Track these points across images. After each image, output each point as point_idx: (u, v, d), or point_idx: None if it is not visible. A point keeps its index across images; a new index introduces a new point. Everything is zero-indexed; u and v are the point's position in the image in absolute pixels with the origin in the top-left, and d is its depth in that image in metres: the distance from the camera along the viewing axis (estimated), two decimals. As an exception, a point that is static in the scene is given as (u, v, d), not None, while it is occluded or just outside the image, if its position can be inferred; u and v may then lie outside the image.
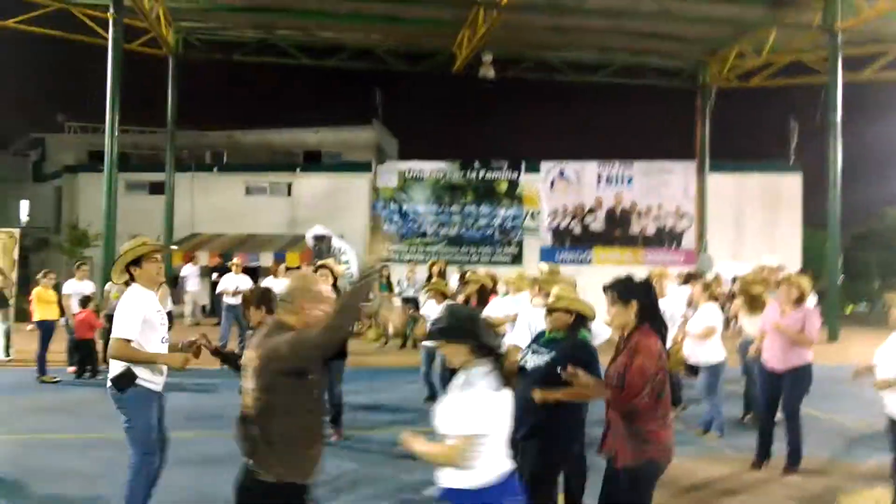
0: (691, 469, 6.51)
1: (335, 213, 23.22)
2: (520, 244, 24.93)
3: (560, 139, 50.95)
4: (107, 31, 15.18)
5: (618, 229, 24.86)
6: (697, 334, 7.55)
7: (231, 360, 4.93)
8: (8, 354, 12.56)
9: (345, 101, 55.68)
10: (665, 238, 24.73)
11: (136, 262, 4.75)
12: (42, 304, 10.89)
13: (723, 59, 22.48)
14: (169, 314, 8.47)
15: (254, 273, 18.05)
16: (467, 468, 3.04)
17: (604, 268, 22.50)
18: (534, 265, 24.54)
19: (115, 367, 4.64)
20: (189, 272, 17.15)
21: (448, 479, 3.12)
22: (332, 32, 21.45)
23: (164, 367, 4.74)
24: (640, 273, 4.56)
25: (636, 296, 3.87)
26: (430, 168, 25.19)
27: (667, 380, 3.80)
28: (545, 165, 24.95)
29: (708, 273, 16.99)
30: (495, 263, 23.14)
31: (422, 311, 9.48)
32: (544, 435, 4.31)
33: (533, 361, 4.47)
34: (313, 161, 27.91)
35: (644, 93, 38.49)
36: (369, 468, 6.54)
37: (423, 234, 25.01)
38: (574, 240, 24.93)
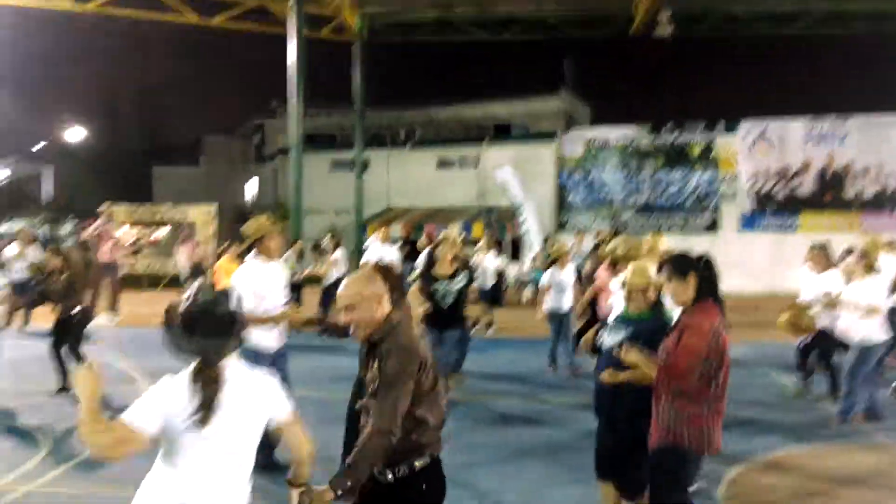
0: (827, 456, 5.94)
1: (522, 184, 23.30)
2: (716, 211, 23.47)
3: (758, 98, 46.80)
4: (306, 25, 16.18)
5: (829, 193, 22.50)
6: (858, 310, 6.73)
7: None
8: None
9: (537, 73, 55.18)
10: (887, 201, 21.99)
11: (260, 239, 5.41)
12: (225, 275, 12.06)
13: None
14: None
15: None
16: None
17: (811, 235, 20.51)
18: (732, 233, 23.07)
19: None
20: (371, 243, 18.18)
21: None
22: (506, 6, 21.32)
23: (278, 328, 5.47)
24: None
25: (693, 269, 3.64)
26: (616, 134, 24.38)
27: (725, 366, 3.51)
28: (744, 125, 23.10)
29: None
30: (689, 232, 22.04)
31: (543, 280, 8.79)
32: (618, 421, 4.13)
33: (608, 341, 4.23)
34: (503, 133, 28.18)
35: (850, 42, 34.09)
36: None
37: (611, 203, 24.32)
38: (778, 205, 22.94)
